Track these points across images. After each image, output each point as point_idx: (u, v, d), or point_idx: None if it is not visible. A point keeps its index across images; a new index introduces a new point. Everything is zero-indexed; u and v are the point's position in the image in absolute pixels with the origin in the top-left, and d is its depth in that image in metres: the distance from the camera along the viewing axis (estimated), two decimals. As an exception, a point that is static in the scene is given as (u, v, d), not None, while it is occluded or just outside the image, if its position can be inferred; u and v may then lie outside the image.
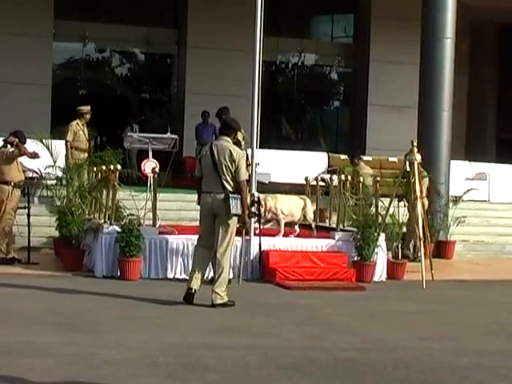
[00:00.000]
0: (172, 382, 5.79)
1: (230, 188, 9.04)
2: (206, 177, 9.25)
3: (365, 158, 19.30)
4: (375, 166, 18.58)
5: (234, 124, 9.64)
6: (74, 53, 24.05)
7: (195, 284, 9.18)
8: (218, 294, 9.07)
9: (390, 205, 13.03)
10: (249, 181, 10.71)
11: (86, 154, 14.60)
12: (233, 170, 9.07)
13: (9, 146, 12.40)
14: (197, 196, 9.61)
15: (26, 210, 12.65)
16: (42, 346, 6.76)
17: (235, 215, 9.07)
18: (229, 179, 9.06)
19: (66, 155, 14.61)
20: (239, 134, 10.40)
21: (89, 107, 15.08)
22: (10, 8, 20.40)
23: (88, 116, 15.02)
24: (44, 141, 13.55)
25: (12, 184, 12.20)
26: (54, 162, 13.18)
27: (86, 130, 15.02)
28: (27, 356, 6.36)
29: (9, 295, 9.44)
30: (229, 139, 9.30)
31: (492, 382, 6.21)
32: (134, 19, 22.91)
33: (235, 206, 8.97)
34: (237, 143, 9.72)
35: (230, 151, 9.12)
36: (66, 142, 14.76)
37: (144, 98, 25.96)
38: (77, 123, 14.99)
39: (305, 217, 12.47)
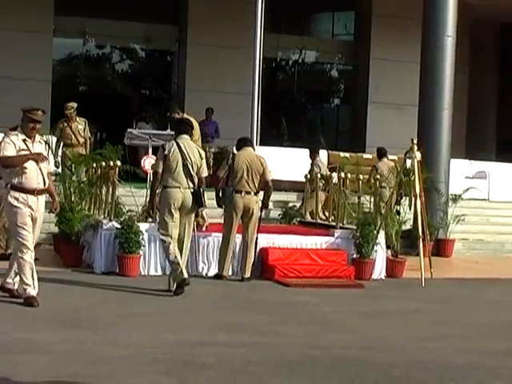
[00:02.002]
0: (171, 379, 5.79)
1: (193, 183, 9.79)
2: (173, 172, 9.79)
3: (365, 155, 19.36)
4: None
5: (190, 123, 10.43)
6: (74, 49, 24.07)
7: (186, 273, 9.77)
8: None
9: (389, 202, 13.03)
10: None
11: (77, 148, 14.60)
12: (198, 166, 9.82)
13: None
14: (158, 191, 10.04)
15: None
16: (40, 342, 6.75)
17: (201, 207, 9.96)
18: (193, 174, 9.77)
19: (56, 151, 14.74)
20: (196, 132, 10.89)
21: (70, 104, 15.08)
22: (10, 4, 20.42)
23: (67, 112, 15.06)
24: (44, 137, 13.55)
25: None
26: (54, 158, 13.18)
27: (73, 126, 15.02)
28: (26, 353, 6.36)
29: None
30: (187, 137, 10.02)
31: (490, 381, 6.20)
32: (134, 16, 22.90)
33: (202, 199, 9.77)
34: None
35: (198, 150, 10.01)
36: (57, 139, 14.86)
37: (144, 94, 25.95)
38: (64, 120, 15.17)
39: None
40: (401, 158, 15.30)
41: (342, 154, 19.24)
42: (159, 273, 11.19)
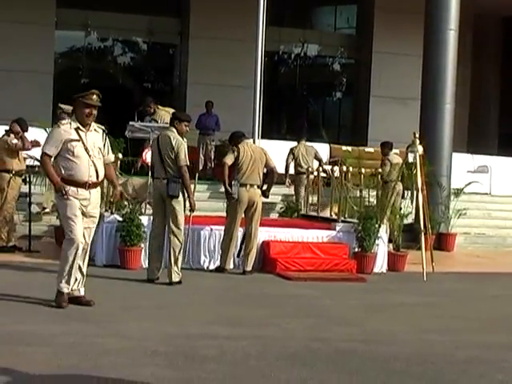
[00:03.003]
0: (172, 371, 5.80)
1: (172, 173, 9.89)
2: (155, 164, 10.19)
3: (366, 149, 19.36)
4: (377, 157, 18.58)
5: (182, 116, 10.53)
6: (76, 41, 24.05)
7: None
8: (176, 272, 9.92)
9: (391, 196, 13.03)
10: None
11: None
12: (173, 157, 9.89)
13: (12, 135, 12.38)
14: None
15: (27, 198, 12.67)
16: (41, 334, 6.76)
17: (172, 196, 9.84)
18: (171, 165, 9.90)
19: None
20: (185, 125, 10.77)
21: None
22: (12, -4, 20.41)
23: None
24: (47, 129, 13.56)
25: (13, 172, 12.20)
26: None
27: None
28: (27, 345, 6.36)
29: (9, 283, 9.44)
30: (174, 130, 10.10)
31: (492, 374, 6.20)
32: (136, 8, 22.88)
33: (173, 188, 9.81)
34: (182, 134, 10.32)
35: (170, 139, 9.99)
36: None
37: (146, 87, 25.93)
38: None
39: None
40: (403, 152, 15.28)
41: (344, 148, 19.25)
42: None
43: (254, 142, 12.68)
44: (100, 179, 8.10)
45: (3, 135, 12.57)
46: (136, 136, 14.36)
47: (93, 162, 7.94)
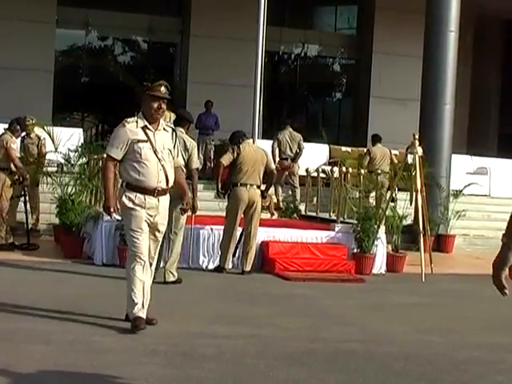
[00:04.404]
0: (170, 370, 5.80)
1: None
2: None
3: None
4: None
5: (188, 116, 10.48)
6: (76, 40, 24.07)
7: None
8: (172, 272, 9.91)
9: (390, 197, 13.03)
10: None
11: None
12: (186, 159, 9.67)
13: (13, 137, 12.36)
14: None
15: (22, 197, 12.70)
16: (41, 332, 6.76)
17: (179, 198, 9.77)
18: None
19: None
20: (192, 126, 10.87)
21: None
22: (13, -6, 20.42)
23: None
24: (45, 127, 13.56)
25: (9, 171, 12.18)
26: (56, 149, 13.17)
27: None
28: (26, 342, 6.36)
29: (8, 281, 9.45)
30: (183, 130, 9.92)
31: (491, 375, 6.20)
32: (137, 7, 22.92)
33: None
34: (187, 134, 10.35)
35: (184, 141, 9.76)
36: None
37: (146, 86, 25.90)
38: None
39: None
40: (402, 153, 15.30)
41: (343, 149, 19.26)
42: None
43: (253, 142, 12.68)
44: (170, 185, 7.15)
45: (3, 133, 12.56)
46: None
47: (162, 165, 7.02)
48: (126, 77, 25.25)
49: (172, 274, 9.93)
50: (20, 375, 5.45)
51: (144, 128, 7.02)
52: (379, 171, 15.78)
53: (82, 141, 15.65)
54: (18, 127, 12.48)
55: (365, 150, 17.46)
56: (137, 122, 7.04)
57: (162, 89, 7.06)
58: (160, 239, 7.33)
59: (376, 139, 16.86)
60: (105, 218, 11.40)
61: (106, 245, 11.32)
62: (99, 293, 9.08)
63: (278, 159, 16.03)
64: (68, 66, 24.00)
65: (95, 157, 13.13)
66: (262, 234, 11.73)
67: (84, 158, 13.16)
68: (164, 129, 7.17)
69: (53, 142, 13.24)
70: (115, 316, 7.62)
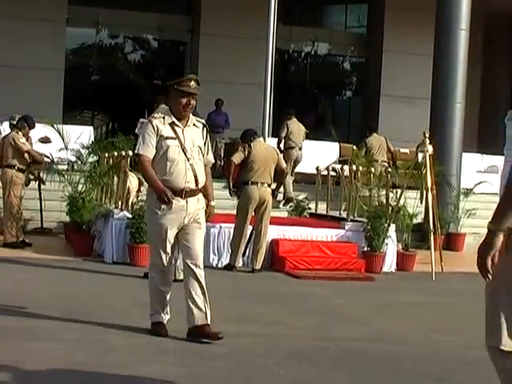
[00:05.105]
0: (180, 368, 5.80)
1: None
2: None
3: (402, 150, 19.30)
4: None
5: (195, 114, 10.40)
6: (87, 38, 24.10)
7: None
8: (182, 270, 9.51)
9: (400, 196, 13.01)
10: None
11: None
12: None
13: (20, 133, 12.39)
14: None
15: (38, 192, 12.74)
16: (50, 330, 6.77)
17: None
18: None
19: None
20: None
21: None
22: (24, -7, 20.46)
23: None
24: (55, 126, 13.60)
25: (16, 168, 12.22)
26: (66, 147, 13.21)
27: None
28: (35, 340, 6.38)
29: (19, 279, 9.47)
30: None
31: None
32: (147, 6, 22.92)
33: None
34: None
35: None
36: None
37: (156, 84, 25.95)
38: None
39: None
40: (412, 152, 15.27)
41: (354, 147, 19.22)
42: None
43: (264, 140, 12.68)
44: (200, 185, 6.62)
45: (10, 131, 12.60)
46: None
47: (191, 164, 6.56)
48: (135, 75, 25.28)
49: (182, 271, 9.91)
50: (29, 373, 5.47)
51: (172, 124, 6.60)
52: (379, 161, 16.09)
53: (92, 139, 15.72)
54: (25, 124, 12.46)
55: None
56: (164, 117, 6.62)
57: (192, 83, 6.63)
58: (198, 231, 6.65)
59: (371, 129, 17.31)
60: (115, 215, 11.42)
61: (116, 243, 11.34)
62: (109, 291, 9.10)
63: (282, 149, 16.03)
64: (78, 65, 24.03)
65: (106, 155, 13.16)
66: (272, 232, 11.74)
67: (95, 156, 13.21)
68: (194, 124, 6.74)
69: (63, 141, 13.29)
70: (125, 314, 7.64)
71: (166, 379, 5.52)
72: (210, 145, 6.91)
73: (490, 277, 3.54)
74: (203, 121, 6.92)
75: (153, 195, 6.58)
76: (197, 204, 6.62)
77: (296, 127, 16.56)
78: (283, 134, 16.33)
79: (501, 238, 3.50)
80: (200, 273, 6.61)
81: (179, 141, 6.55)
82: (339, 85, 27.53)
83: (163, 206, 6.48)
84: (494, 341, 3.76)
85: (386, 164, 16.08)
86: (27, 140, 12.56)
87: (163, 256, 6.64)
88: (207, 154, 6.82)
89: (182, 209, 6.52)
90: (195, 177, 6.56)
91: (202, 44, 22.98)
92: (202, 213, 6.69)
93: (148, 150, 6.56)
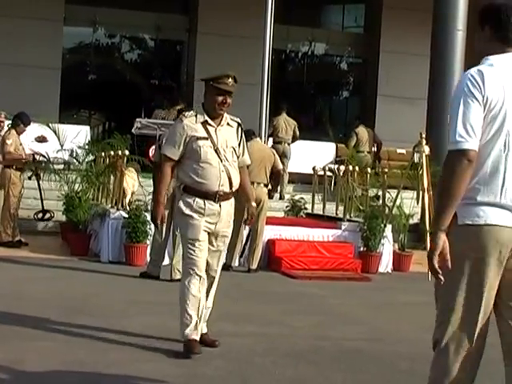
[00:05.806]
0: (177, 367, 5.80)
1: None
2: None
3: (398, 150, 19.35)
4: (383, 157, 18.60)
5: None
6: (84, 37, 24.10)
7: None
8: (178, 269, 9.57)
9: (397, 196, 13.01)
10: None
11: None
12: None
13: (13, 131, 12.35)
14: None
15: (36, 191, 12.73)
16: (47, 329, 6.77)
17: None
18: None
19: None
20: None
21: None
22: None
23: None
24: (51, 125, 13.58)
25: (14, 168, 12.19)
26: (62, 146, 13.20)
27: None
28: (33, 339, 6.38)
29: (15, 278, 9.47)
30: None
31: (499, 375, 6.17)
32: (144, 5, 22.90)
33: None
34: None
35: None
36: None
37: (153, 84, 25.96)
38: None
39: None
40: (409, 152, 15.28)
41: (373, 149, 19.24)
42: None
43: (261, 140, 12.68)
44: (234, 188, 6.29)
45: (8, 130, 12.56)
46: (143, 132, 14.39)
47: (225, 166, 6.17)
48: (132, 74, 25.27)
49: (179, 271, 9.83)
50: (27, 372, 5.46)
51: (204, 123, 6.20)
52: (365, 152, 17.03)
53: (88, 138, 15.71)
54: (20, 122, 12.39)
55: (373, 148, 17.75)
56: (196, 116, 6.22)
57: (230, 80, 6.33)
58: (222, 249, 6.40)
59: (359, 121, 18.31)
60: (111, 215, 11.42)
61: (112, 242, 11.34)
62: (105, 290, 9.10)
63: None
64: (75, 64, 24.02)
65: (102, 154, 13.15)
66: (268, 232, 11.74)
67: (91, 156, 13.20)
68: (228, 124, 6.33)
69: (59, 140, 13.27)
70: (120, 313, 7.64)
71: (163, 378, 5.52)
72: (245, 145, 6.58)
73: (442, 277, 3.62)
74: (238, 119, 6.51)
75: (183, 197, 6.19)
76: (230, 208, 6.33)
77: (283, 122, 16.70)
78: (268, 132, 16.42)
79: (443, 237, 3.60)
80: (202, 284, 6.29)
81: (212, 141, 6.17)
82: (336, 85, 27.53)
83: (195, 208, 6.10)
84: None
85: (369, 155, 17.06)
86: (19, 135, 12.43)
87: (199, 259, 6.16)
88: (242, 155, 6.48)
89: (216, 213, 6.17)
90: (229, 179, 6.20)
91: (199, 43, 22.97)
92: (231, 221, 6.39)
93: (173, 152, 6.18)
